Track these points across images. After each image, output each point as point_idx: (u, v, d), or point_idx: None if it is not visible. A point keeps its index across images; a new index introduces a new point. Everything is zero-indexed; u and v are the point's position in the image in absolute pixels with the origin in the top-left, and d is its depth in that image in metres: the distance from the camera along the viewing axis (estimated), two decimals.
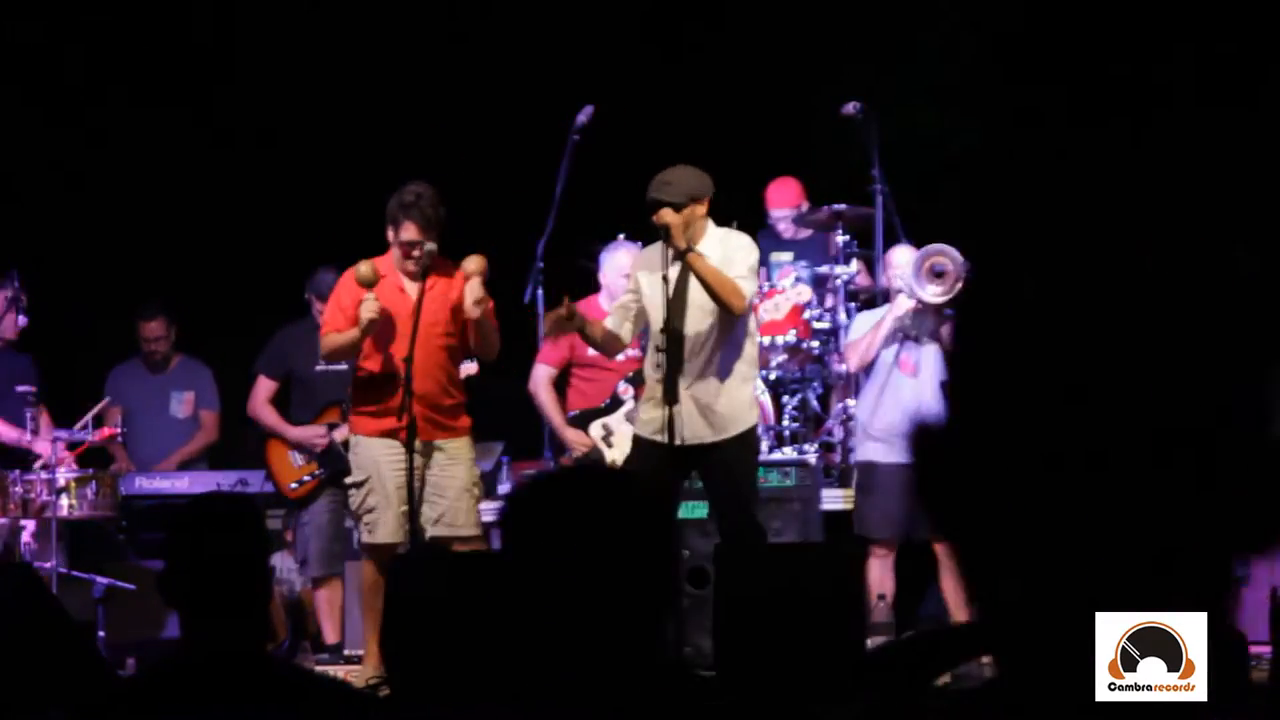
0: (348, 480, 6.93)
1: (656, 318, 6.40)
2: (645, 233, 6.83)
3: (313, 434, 8.03)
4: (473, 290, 6.68)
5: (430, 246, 6.70)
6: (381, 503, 6.69)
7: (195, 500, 3.31)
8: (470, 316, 6.68)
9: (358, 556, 8.27)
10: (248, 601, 3.09)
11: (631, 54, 10.02)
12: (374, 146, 9.96)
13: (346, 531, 8.27)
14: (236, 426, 9.18)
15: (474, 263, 6.71)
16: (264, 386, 8.19)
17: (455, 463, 6.80)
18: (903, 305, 7.72)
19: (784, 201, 8.88)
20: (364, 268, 6.68)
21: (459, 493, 6.77)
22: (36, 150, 10.13)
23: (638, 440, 6.58)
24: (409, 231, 6.73)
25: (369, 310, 6.62)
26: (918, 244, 7.95)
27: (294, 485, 8.07)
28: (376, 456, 6.70)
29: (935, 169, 9.09)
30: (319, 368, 8.05)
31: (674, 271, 6.32)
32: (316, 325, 8.17)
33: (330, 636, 8.10)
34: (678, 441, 6.28)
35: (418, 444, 6.70)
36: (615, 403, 7.57)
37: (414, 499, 6.60)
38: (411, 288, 6.80)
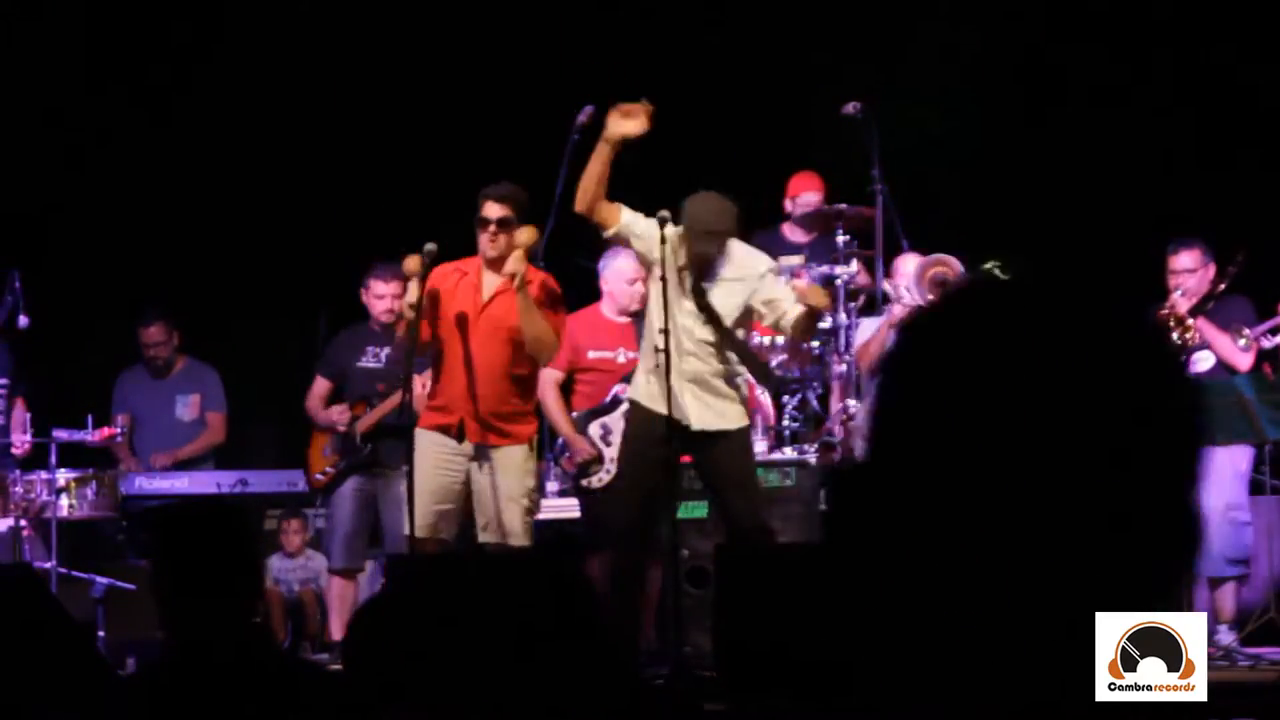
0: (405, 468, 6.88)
1: (676, 309, 6.53)
2: None
3: (337, 414, 8.11)
4: (510, 262, 6.59)
5: (430, 247, 6.68)
6: (419, 496, 6.63)
7: (173, 505, 3.37)
8: (514, 289, 6.57)
9: (376, 557, 8.28)
10: (223, 600, 3.13)
11: (632, 54, 10.01)
12: (376, 146, 9.96)
13: (370, 527, 8.24)
14: (241, 427, 9.18)
15: (523, 233, 6.65)
16: (318, 386, 8.31)
17: (502, 471, 6.71)
18: (898, 314, 7.78)
19: (809, 187, 8.82)
20: (409, 261, 6.68)
21: (505, 502, 6.69)
22: (38, 150, 10.12)
23: (639, 408, 6.62)
24: (485, 209, 6.68)
25: (406, 298, 6.68)
26: (916, 245, 7.96)
27: (319, 475, 8.19)
28: (426, 449, 6.65)
29: (936, 168, 9.09)
30: (360, 364, 8.17)
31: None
32: (368, 326, 8.22)
33: (337, 632, 8.09)
34: (685, 425, 6.42)
35: (469, 446, 6.69)
36: (614, 402, 7.59)
37: (412, 500, 6.57)
38: (489, 286, 6.77)
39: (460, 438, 6.67)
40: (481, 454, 6.71)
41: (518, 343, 6.71)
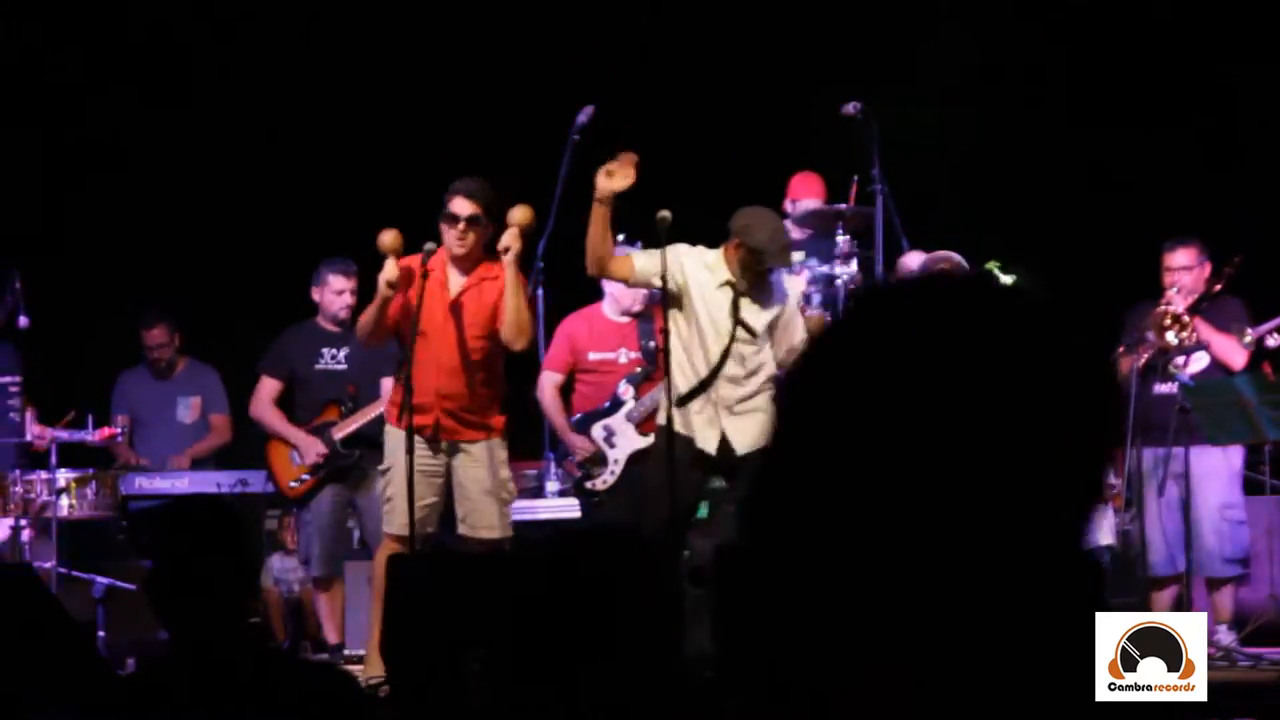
0: (380, 467, 6.91)
1: (714, 335, 6.59)
2: (646, 233, 6.85)
3: (309, 445, 7.97)
4: (507, 236, 6.54)
5: (429, 246, 6.66)
6: (398, 494, 6.65)
7: (168, 504, 3.38)
8: (504, 263, 6.54)
9: (357, 556, 8.26)
10: (219, 599, 3.14)
11: (631, 54, 10.01)
12: (375, 146, 9.96)
13: (348, 531, 8.27)
14: (241, 427, 9.18)
15: (518, 212, 6.60)
16: (266, 386, 8.17)
17: (478, 464, 6.75)
18: None
19: (811, 192, 8.80)
20: (385, 235, 6.65)
21: (480, 494, 6.73)
22: (40, 151, 10.12)
23: (678, 436, 6.66)
24: (455, 205, 6.65)
25: (384, 274, 6.58)
26: (916, 245, 7.95)
27: (293, 484, 8.04)
28: (398, 447, 6.66)
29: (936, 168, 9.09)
30: (318, 367, 8.07)
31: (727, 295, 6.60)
32: (318, 326, 8.17)
33: (332, 637, 8.09)
34: (720, 454, 6.61)
35: (443, 443, 6.70)
36: (615, 404, 7.58)
37: (412, 499, 6.57)
38: (455, 284, 6.76)
39: (436, 436, 6.67)
40: (456, 449, 6.73)
41: (486, 336, 6.71)
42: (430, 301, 6.66)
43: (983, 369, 1.11)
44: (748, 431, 6.58)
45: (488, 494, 6.75)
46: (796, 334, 6.68)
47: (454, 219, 6.65)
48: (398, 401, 6.71)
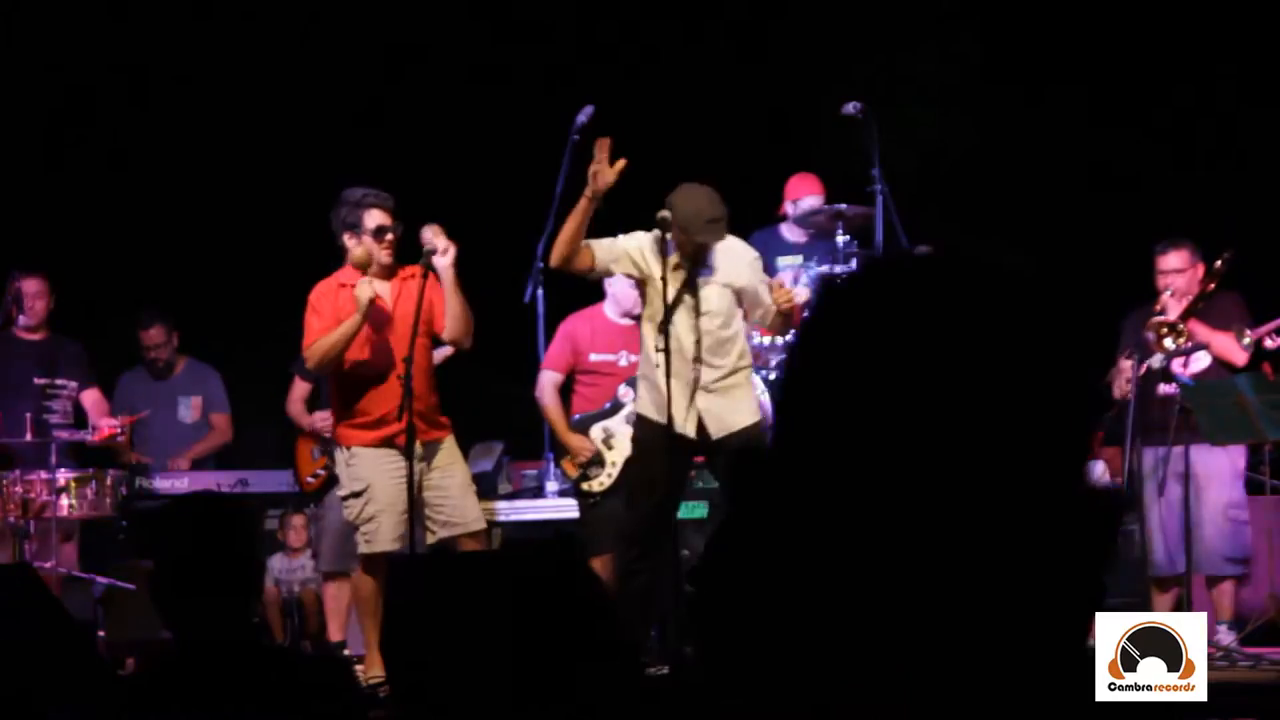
0: (342, 492, 6.90)
1: (679, 317, 6.54)
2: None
3: (320, 420, 8.08)
4: (438, 240, 6.61)
5: (431, 248, 6.68)
6: (383, 511, 6.66)
7: (168, 504, 3.37)
8: (440, 271, 6.61)
9: None
10: (223, 599, 3.13)
11: (631, 54, 10.01)
12: (374, 145, 9.96)
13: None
14: (241, 428, 9.17)
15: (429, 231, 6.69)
16: (298, 387, 8.29)
17: (453, 461, 6.83)
18: None
19: (809, 190, 8.79)
20: (358, 250, 6.71)
21: (463, 489, 6.81)
22: (39, 152, 10.12)
23: (648, 422, 6.61)
24: (376, 217, 6.76)
25: (367, 291, 6.61)
26: (915, 244, 7.94)
27: (310, 478, 8.20)
28: (375, 465, 6.68)
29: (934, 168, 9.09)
30: None
31: (678, 276, 6.49)
32: None
33: (335, 634, 8.10)
34: (705, 438, 6.52)
35: (417, 446, 6.69)
36: (616, 406, 7.57)
37: (414, 504, 6.59)
38: (384, 289, 6.78)
39: (410, 443, 6.61)
40: (431, 449, 6.74)
41: (428, 334, 6.79)
42: (372, 316, 6.68)
43: (978, 350, 1.10)
44: (724, 411, 6.52)
45: (468, 487, 6.84)
46: (765, 297, 6.60)
47: (382, 231, 6.75)
48: (357, 421, 6.72)
